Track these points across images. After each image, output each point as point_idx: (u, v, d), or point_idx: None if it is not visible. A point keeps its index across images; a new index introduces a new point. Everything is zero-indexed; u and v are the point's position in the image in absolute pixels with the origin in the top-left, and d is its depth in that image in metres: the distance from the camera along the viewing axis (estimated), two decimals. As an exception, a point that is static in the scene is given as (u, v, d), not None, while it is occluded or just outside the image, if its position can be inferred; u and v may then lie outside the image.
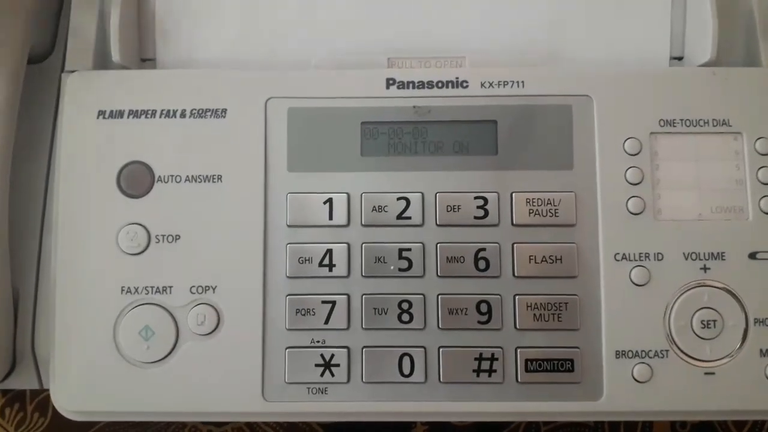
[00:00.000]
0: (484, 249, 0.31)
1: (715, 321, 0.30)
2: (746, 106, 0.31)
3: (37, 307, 0.32)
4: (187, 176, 0.31)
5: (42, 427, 0.40)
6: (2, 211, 0.31)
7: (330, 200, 0.31)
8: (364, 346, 0.30)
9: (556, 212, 0.31)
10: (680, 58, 0.34)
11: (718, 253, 0.30)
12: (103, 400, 0.31)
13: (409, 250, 0.31)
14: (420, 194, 0.31)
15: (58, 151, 0.31)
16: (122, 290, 0.31)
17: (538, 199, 0.31)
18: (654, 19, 0.33)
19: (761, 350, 0.30)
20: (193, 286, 0.30)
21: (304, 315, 0.30)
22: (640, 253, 0.30)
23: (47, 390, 0.39)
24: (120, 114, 0.31)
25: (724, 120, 0.31)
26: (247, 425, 0.40)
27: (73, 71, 0.32)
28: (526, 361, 0.30)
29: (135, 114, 0.31)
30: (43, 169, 0.33)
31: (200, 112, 0.31)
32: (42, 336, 0.32)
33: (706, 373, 0.30)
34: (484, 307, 0.30)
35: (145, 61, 0.34)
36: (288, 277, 0.31)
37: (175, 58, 0.34)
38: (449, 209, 0.31)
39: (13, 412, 0.40)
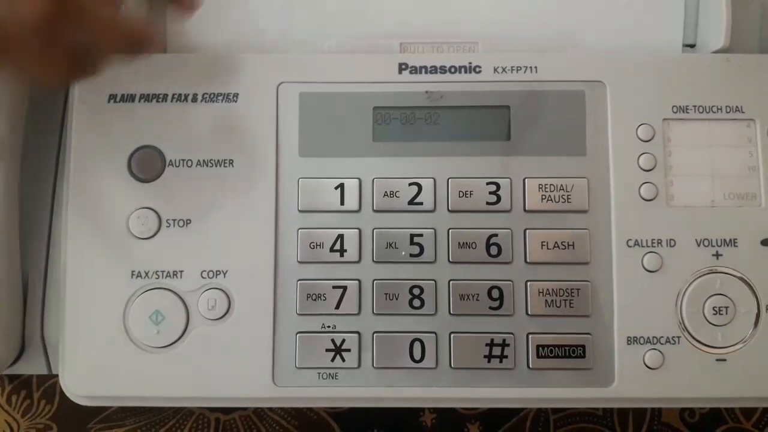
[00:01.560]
0: (496, 235, 0.30)
1: (727, 308, 0.30)
2: (759, 92, 0.31)
3: (46, 292, 0.32)
4: (199, 161, 0.31)
5: (48, 414, 0.40)
6: (13, 194, 0.31)
7: (341, 185, 0.31)
8: (375, 332, 0.30)
9: (568, 198, 0.30)
10: (693, 46, 0.33)
11: (730, 239, 0.30)
12: (112, 384, 0.31)
13: (420, 235, 0.31)
14: (432, 180, 0.31)
15: (68, 135, 0.31)
16: (132, 274, 0.30)
17: (550, 184, 0.31)
18: (667, 5, 0.33)
19: (773, 337, 0.30)
20: (204, 271, 0.30)
21: (315, 300, 0.30)
22: (652, 240, 0.30)
23: (54, 377, 0.39)
24: (131, 98, 0.31)
25: (737, 107, 0.31)
26: (254, 413, 0.40)
27: (83, 55, 0.32)
28: (538, 347, 0.30)
29: (146, 98, 0.31)
30: (53, 153, 0.33)
31: (212, 96, 0.31)
32: (51, 321, 0.32)
33: (717, 360, 0.30)
34: (495, 293, 0.30)
35: (155, 45, 0.34)
36: (299, 262, 0.30)
37: (186, 43, 0.34)
38: (461, 195, 0.31)
39: (20, 399, 0.40)
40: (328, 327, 0.30)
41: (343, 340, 0.30)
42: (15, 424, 0.40)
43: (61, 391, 0.32)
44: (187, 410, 0.40)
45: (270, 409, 0.40)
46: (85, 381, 0.31)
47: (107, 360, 0.30)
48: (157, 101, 0.31)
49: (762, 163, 0.31)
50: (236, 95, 0.31)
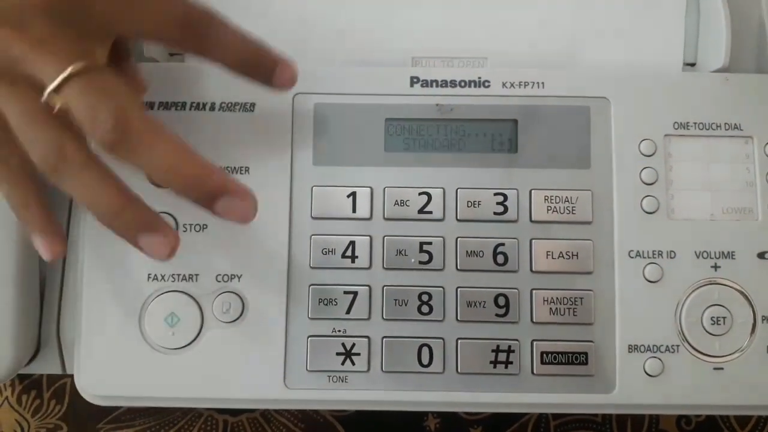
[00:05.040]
0: (502, 244, 0.31)
1: (724, 318, 0.31)
2: (757, 111, 0.32)
3: (63, 292, 0.33)
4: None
5: (59, 414, 0.40)
6: (33, 197, 0.32)
7: (354, 194, 0.32)
8: (384, 337, 0.31)
9: (573, 210, 0.31)
10: (693, 65, 0.35)
11: (728, 252, 0.31)
12: (126, 385, 0.31)
13: (429, 243, 0.31)
14: (441, 189, 0.32)
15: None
16: (149, 277, 0.31)
17: (556, 196, 0.32)
18: (668, 26, 0.34)
19: (769, 347, 0.31)
20: (219, 275, 0.31)
21: (326, 305, 0.31)
22: (653, 251, 0.31)
23: (64, 377, 0.40)
24: (150, 105, 0.32)
25: (735, 124, 0.32)
26: (262, 415, 0.40)
27: (104, 63, 0.33)
28: (542, 353, 0.31)
29: (165, 106, 0.32)
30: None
31: (229, 105, 0.32)
32: (67, 321, 0.33)
33: (715, 369, 0.31)
34: (501, 301, 0.31)
35: (173, 55, 0.35)
36: (311, 267, 0.31)
37: (203, 54, 0.35)
38: (469, 205, 0.32)
39: (30, 399, 0.40)
40: (339, 331, 0.31)
41: (353, 345, 0.31)
42: (25, 423, 0.40)
43: (71, 391, 0.33)
44: (196, 412, 0.40)
45: (277, 411, 0.40)
46: (99, 381, 0.31)
47: (122, 360, 0.31)
48: (176, 109, 0.32)
49: (759, 179, 0.32)
50: (253, 105, 0.32)
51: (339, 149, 0.32)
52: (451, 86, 0.32)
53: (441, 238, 0.32)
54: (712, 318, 0.31)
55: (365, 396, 0.31)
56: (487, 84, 0.32)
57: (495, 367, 0.31)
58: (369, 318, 0.31)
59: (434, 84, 0.32)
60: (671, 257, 0.31)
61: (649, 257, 0.31)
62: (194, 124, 0.32)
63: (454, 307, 0.31)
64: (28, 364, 0.33)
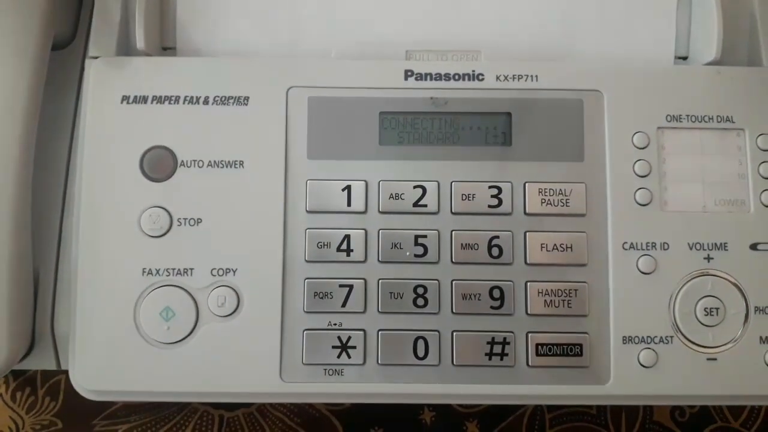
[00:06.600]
0: (497, 237, 0.32)
1: (717, 309, 0.31)
2: (749, 103, 0.32)
3: (57, 288, 0.33)
4: (210, 161, 0.32)
5: (53, 410, 0.40)
6: (26, 192, 0.31)
7: (348, 187, 0.32)
8: (380, 329, 0.31)
9: (567, 202, 0.32)
10: (685, 58, 0.35)
11: (721, 243, 0.31)
12: (122, 380, 0.31)
13: (424, 236, 0.32)
14: (436, 183, 0.32)
15: (82, 135, 0.32)
16: (144, 272, 0.31)
17: (550, 189, 0.32)
18: (660, 19, 0.35)
19: (761, 337, 0.31)
20: (214, 269, 0.31)
21: (321, 298, 0.31)
22: (647, 243, 0.31)
23: (59, 374, 0.40)
24: (144, 99, 0.32)
25: (727, 117, 0.32)
26: (257, 410, 0.40)
27: (97, 57, 0.33)
28: (537, 345, 0.31)
29: (159, 100, 0.32)
30: (64, 152, 0.34)
31: (223, 99, 0.32)
32: (61, 316, 0.33)
33: (708, 359, 0.31)
34: (496, 293, 0.31)
35: (166, 49, 0.35)
36: (307, 261, 0.31)
37: (196, 47, 0.35)
38: (464, 198, 0.32)
39: (24, 395, 0.40)
40: (335, 324, 0.31)
41: (349, 338, 0.31)
42: (20, 420, 0.40)
43: (66, 388, 0.33)
44: (192, 407, 0.40)
45: (273, 406, 0.40)
46: (94, 376, 0.31)
47: (117, 355, 0.31)
48: (170, 103, 0.32)
49: (751, 171, 0.32)
50: (247, 98, 0.32)
51: (333, 143, 0.32)
52: (445, 79, 0.32)
53: (436, 231, 0.32)
54: (705, 309, 0.31)
55: (361, 389, 0.31)
56: (481, 77, 0.32)
57: (490, 359, 0.31)
58: (364, 311, 0.31)
59: (428, 77, 0.32)
60: (664, 249, 0.31)
61: (642, 249, 0.31)
62: (188, 118, 0.32)
63: (449, 300, 0.31)
64: (22, 360, 0.33)
